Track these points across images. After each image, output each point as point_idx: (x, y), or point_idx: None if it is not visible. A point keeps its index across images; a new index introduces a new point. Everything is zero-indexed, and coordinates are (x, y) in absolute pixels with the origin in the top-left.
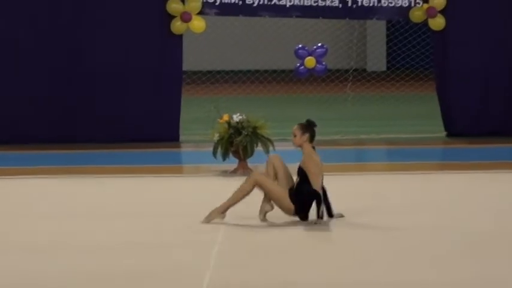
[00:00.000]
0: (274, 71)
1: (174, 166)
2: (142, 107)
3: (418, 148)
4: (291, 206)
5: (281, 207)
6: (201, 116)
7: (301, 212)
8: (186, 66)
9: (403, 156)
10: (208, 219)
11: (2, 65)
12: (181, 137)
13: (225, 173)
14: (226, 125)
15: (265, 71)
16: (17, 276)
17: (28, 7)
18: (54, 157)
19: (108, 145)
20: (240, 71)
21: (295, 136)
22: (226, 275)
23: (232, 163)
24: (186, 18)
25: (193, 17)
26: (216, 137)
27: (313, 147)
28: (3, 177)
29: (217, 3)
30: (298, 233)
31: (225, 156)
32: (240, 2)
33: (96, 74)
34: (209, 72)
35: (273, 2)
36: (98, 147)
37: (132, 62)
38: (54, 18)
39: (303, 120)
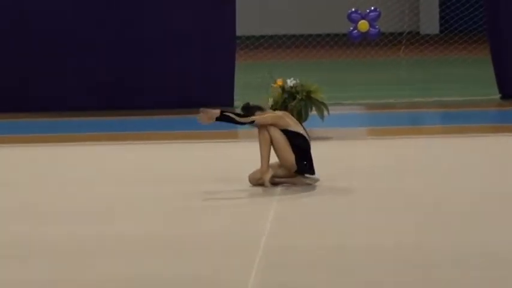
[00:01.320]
0: (328, 35)
1: (229, 131)
2: (196, 72)
3: (472, 111)
4: (292, 158)
5: (284, 158)
6: (255, 82)
7: (301, 162)
8: (240, 31)
9: (458, 119)
10: (267, 183)
11: (53, 38)
12: (236, 103)
13: None
14: (280, 90)
15: (318, 35)
16: (78, 242)
17: None
18: (112, 124)
19: (162, 111)
20: (293, 36)
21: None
22: (281, 239)
23: None
24: None
25: None
26: (270, 101)
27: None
28: (54, 144)
29: None
30: (347, 199)
31: None
32: None
33: (149, 41)
34: (262, 37)
35: None
36: (152, 113)
37: (184, 27)
38: None
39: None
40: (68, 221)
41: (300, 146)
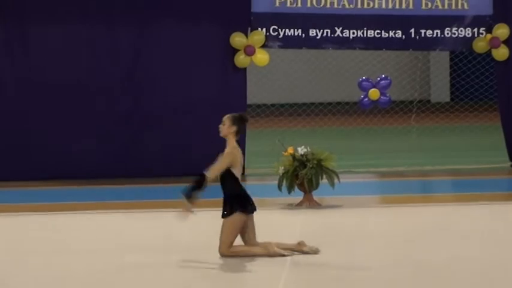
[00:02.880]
0: (338, 103)
1: None
2: (208, 140)
3: (483, 179)
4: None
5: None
6: (266, 149)
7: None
8: (250, 99)
9: (469, 186)
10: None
11: (70, 105)
12: (246, 170)
13: (290, 206)
14: (291, 158)
15: (329, 104)
16: None
17: (90, 47)
18: (126, 192)
19: (175, 179)
20: (304, 104)
21: (223, 125)
22: None
23: (297, 196)
24: (249, 51)
25: (257, 50)
26: (281, 170)
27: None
28: (72, 212)
29: (280, 36)
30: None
31: (290, 189)
32: (304, 35)
33: (160, 109)
34: (273, 105)
35: (336, 34)
36: (165, 181)
37: (196, 95)
38: (117, 55)
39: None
40: None
41: (231, 190)
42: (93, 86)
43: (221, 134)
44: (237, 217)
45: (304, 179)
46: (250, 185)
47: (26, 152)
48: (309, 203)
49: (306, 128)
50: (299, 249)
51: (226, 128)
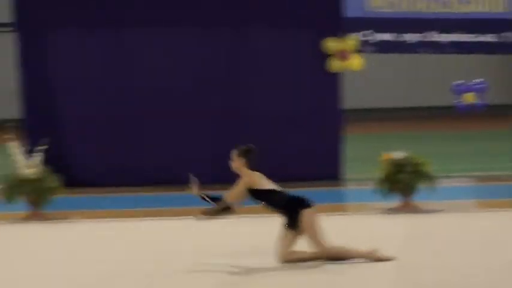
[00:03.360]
0: (435, 107)
1: (337, 204)
2: (303, 146)
3: None
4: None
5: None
6: (364, 154)
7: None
8: (346, 104)
9: None
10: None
11: (163, 112)
12: (345, 175)
13: (389, 211)
14: (388, 163)
15: (426, 107)
16: None
17: (186, 56)
18: None
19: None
20: (399, 108)
21: (232, 161)
22: None
23: (395, 201)
24: (343, 56)
25: (351, 55)
26: (379, 174)
27: (257, 171)
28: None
29: (374, 41)
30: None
31: (388, 193)
32: (397, 39)
33: (255, 116)
34: (369, 110)
35: (429, 39)
36: None
37: (290, 101)
38: (209, 65)
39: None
40: None
41: (282, 204)
42: (187, 92)
43: (233, 169)
44: (305, 215)
45: (402, 183)
46: (348, 190)
47: (132, 157)
48: (407, 207)
49: (403, 133)
50: (369, 256)
51: (236, 162)
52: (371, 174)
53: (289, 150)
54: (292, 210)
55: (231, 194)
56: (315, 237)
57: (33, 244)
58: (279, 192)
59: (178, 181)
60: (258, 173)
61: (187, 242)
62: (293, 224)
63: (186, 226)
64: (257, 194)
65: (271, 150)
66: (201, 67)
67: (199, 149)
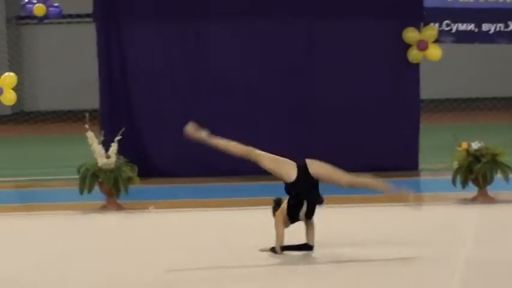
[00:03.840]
0: (509, 98)
1: (414, 195)
2: (380, 136)
3: None
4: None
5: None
6: (440, 144)
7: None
8: (423, 94)
9: None
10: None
11: (239, 102)
12: (421, 165)
13: (464, 201)
14: (465, 153)
15: (503, 98)
16: None
17: (258, 46)
18: None
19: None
20: (477, 99)
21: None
22: None
23: (472, 191)
24: (422, 46)
25: (430, 45)
26: (455, 164)
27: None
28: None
29: (453, 31)
30: None
31: (464, 184)
32: (476, 29)
33: (333, 106)
34: (446, 100)
35: (509, 29)
36: None
37: (368, 91)
38: (288, 54)
39: None
40: None
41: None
42: (264, 80)
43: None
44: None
45: (479, 173)
46: (424, 180)
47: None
48: (483, 198)
49: (479, 123)
50: None
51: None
52: (447, 164)
53: (366, 140)
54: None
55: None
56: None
57: (108, 234)
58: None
59: (254, 172)
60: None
61: (260, 231)
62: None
63: (261, 216)
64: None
65: (349, 140)
66: (278, 57)
67: (275, 140)
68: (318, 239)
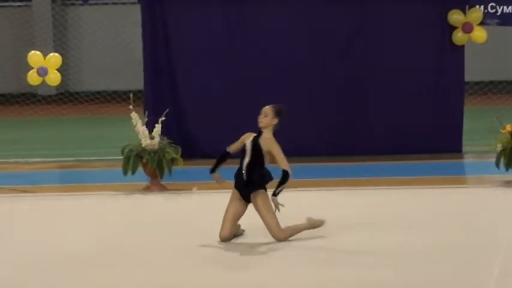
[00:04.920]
0: None
1: (457, 177)
2: (424, 118)
3: None
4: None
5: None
6: (484, 127)
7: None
8: (468, 76)
9: None
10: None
11: (284, 83)
12: (464, 148)
13: (508, 183)
14: (508, 136)
15: None
16: None
17: (306, 27)
18: (336, 169)
19: (390, 157)
20: None
21: (266, 116)
22: None
23: None
24: (467, 29)
25: (475, 27)
26: (499, 147)
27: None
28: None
29: (498, 14)
30: None
31: (508, 166)
32: None
33: (378, 88)
34: (491, 82)
35: None
36: (379, 159)
37: (414, 73)
38: (333, 37)
39: None
40: None
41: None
42: (310, 61)
43: (260, 125)
44: (262, 196)
45: None
46: (468, 162)
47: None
48: None
49: None
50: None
51: (269, 119)
52: (491, 146)
53: (411, 122)
54: (256, 186)
55: (284, 162)
56: (272, 221)
57: (151, 214)
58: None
59: (300, 153)
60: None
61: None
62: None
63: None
64: (260, 157)
65: (393, 121)
66: (324, 39)
67: (320, 121)
68: (363, 221)
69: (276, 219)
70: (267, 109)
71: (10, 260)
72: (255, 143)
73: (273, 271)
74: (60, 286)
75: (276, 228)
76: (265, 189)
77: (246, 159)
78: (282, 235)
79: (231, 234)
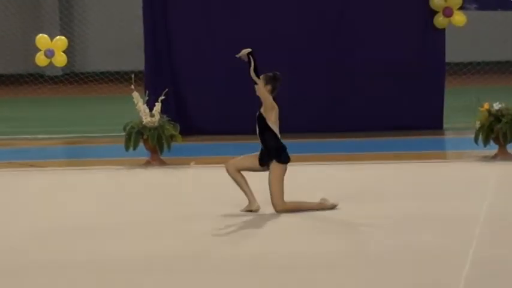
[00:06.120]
0: None
1: (438, 152)
2: (407, 97)
3: None
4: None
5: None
6: (463, 106)
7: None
8: (449, 58)
9: None
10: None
11: (280, 62)
12: (445, 125)
13: (486, 158)
14: (487, 113)
15: None
16: None
17: (296, 9)
18: (332, 145)
19: (373, 133)
20: (499, 62)
21: (258, 86)
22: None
23: (492, 149)
24: (447, 13)
25: (455, 12)
26: (478, 124)
27: (275, 99)
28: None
29: None
30: None
31: (486, 142)
32: None
33: (363, 67)
34: (470, 63)
35: None
36: (362, 135)
37: (397, 54)
38: (321, 16)
39: None
40: None
41: (271, 144)
42: (301, 43)
43: (257, 93)
44: (277, 167)
45: (499, 133)
46: (448, 139)
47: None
48: (503, 155)
49: (501, 85)
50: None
51: (262, 88)
52: (470, 124)
53: (395, 101)
54: (272, 155)
55: (275, 129)
56: (277, 191)
57: (151, 188)
58: (276, 136)
59: (289, 130)
60: (276, 108)
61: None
62: (264, 164)
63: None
64: (265, 123)
65: (378, 100)
66: (313, 19)
67: (309, 100)
68: (347, 194)
69: (282, 190)
70: (260, 79)
71: (19, 230)
72: (258, 113)
73: (270, 241)
74: (63, 254)
75: (277, 198)
76: (283, 164)
77: (257, 131)
78: (281, 207)
79: (235, 167)
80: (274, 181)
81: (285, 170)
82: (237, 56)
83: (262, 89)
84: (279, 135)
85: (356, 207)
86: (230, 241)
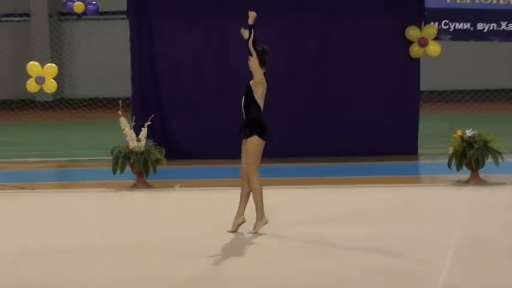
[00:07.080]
0: (503, 90)
1: (413, 177)
2: (384, 123)
3: None
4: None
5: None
6: (437, 132)
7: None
8: (423, 86)
9: None
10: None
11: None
12: (420, 150)
13: (459, 183)
14: (459, 140)
15: (495, 90)
16: None
17: (276, 41)
18: (307, 170)
19: (351, 158)
20: (472, 91)
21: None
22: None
23: (465, 174)
24: (423, 43)
25: (430, 42)
26: (451, 150)
27: (264, 73)
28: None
29: (451, 30)
30: None
31: (459, 167)
32: (472, 28)
33: (342, 94)
34: (444, 91)
35: (501, 28)
36: (340, 160)
37: (374, 82)
38: (303, 46)
39: None
40: None
41: (254, 117)
42: (282, 73)
43: (249, 66)
44: (257, 141)
45: (472, 158)
46: (422, 164)
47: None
48: (475, 180)
49: (473, 113)
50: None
51: (254, 60)
52: (444, 149)
53: (371, 127)
54: (252, 129)
55: (260, 102)
56: (252, 162)
57: (138, 210)
58: (260, 110)
59: (273, 154)
60: (265, 83)
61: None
62: (244, 136)
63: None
64: (251, 97)
65: (355, 126)
66: (294, 52)
67: (289, 125)
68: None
69: (257, 164)
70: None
71: (8, 250)
72: (248, 85)
73: (255, 261)
74: (52, 275)
75: (252, 168)
76: (263, 139)
77: (243, 100)
78: (252, 178)
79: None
80: (252, 153)
81: (263, 145)
82: (242, 30)
83: (254, 62)
84: (261, 106)
85: (328, 230)
86: (215, 262)
